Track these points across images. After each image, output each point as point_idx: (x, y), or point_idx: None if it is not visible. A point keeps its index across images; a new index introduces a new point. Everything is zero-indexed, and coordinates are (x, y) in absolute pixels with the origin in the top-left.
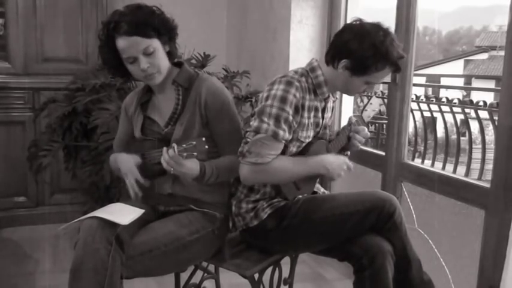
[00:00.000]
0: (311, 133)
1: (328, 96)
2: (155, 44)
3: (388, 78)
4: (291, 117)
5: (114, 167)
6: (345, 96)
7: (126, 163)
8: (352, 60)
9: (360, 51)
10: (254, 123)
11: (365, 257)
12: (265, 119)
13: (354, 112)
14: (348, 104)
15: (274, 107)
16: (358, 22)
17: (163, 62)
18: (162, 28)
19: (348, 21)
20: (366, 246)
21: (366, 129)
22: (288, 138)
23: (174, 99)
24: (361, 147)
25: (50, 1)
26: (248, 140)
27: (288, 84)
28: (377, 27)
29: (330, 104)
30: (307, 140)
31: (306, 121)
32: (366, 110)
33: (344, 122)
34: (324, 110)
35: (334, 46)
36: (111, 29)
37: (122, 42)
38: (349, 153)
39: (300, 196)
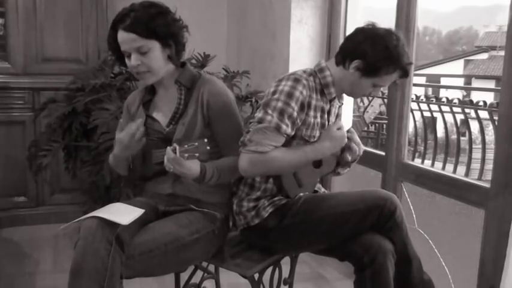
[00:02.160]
0: (316, 133)
1: (334, 98)
2: (152, 44)
3: None
4: (295, 114)
5: (114, 160)
6: (345, 97)
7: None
8: (365, 61)
9: (373, 53)
10: (258, 114)
11: (366, 256)
12: (270, 111)
13: (354, 112)
14: (348, 105)
15: (280, 101)
16: (371, 26)
17: (157, 64)
18: (164, 31)
19: (348, 21)
20: (367, 245)
21: (356, 135)
22: (290, 133)
23: (176, 99)
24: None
25: (50, 1)
26: (250, 129)
27: (295, 81)
28: (390, 32)
29: (334, 109)
30: (312, 140)
31: (312, 120)
32: (368, 112)
33: (344, 123)
34: (329, 112)
35: (346, 47)
36: (117, 20)
37: (120, 35)
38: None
39: (301, 194)
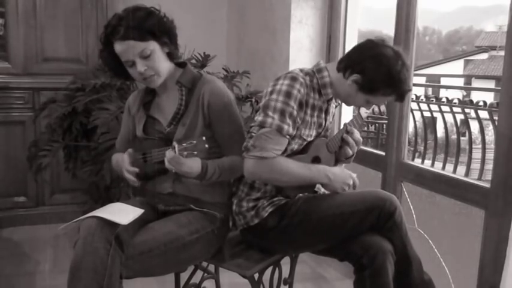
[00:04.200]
0: (313, 132)
1: (331, 99)
2: (152, 46)
3: None
4: (295, 112)
5: (116, 167)
6: None
7: (122, 160)
8: (364, 78)
9: (374, 73)
10: (259, 117)
11: (365, 257)
12: (270, 113)
13: (353, 112)
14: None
15: (279, 101)
16: (381, 42)
17: (162, 64)
18: (159, 30)
19: (348, 21)
20: (366, 245)
21: (358, 134)
22: (292, 133)
23: (177, 100)
24: (362, 147)
25: (50, 1)
26: (253, 134)
27: (292, 79)
28: (397, 54)
29: (332, 110)
30: (309, 139)
31: (309, 119)
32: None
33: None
34: (326, 112)
35: (350, 58)
36: (109, 33)
37: (118, 47)
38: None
39: (301, 194)
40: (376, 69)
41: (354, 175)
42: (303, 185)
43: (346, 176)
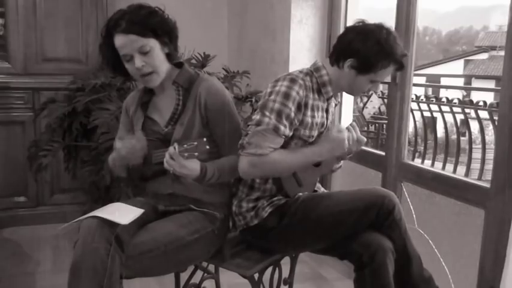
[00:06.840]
0: (315, 133)
1: (331, 97)
2: (152, 43)
3: (388, 78)
4: (292, 114)
5: (113, 163)
6: (345, 96)
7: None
8: (358, 59)
9: (365, 49)
10: (256, 116)
11: (365, 254)
12: (267, 113)
13: (354, 112)
14: (348, 105)
15: (277, 102)
16: (360, 23)
17: (160, 63)
18: (161, 29)
19: (348, 21)
20: (366, 243)
21: (359, 133)
22: (288, 134)
23: (175, 100)
24: (362, 147)
25: (50, 1)
26: (249, 132)
27: (291, 81)
28: (379, 26)
29: (332, 109)
30: (311, 140)
31: (310, 120)
32: (367, 108)
33: (344, 123)
34: (327, 111)
35: (338, 47)
36: (110, 26)
37: (118, 40)
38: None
39: (301, 194)
40: (365, 45)
41: (345, 135)
42: (303, 182)
43: (341, 144)
